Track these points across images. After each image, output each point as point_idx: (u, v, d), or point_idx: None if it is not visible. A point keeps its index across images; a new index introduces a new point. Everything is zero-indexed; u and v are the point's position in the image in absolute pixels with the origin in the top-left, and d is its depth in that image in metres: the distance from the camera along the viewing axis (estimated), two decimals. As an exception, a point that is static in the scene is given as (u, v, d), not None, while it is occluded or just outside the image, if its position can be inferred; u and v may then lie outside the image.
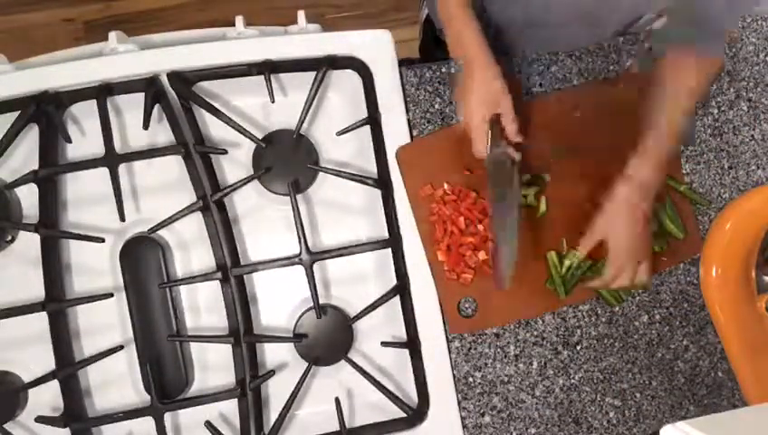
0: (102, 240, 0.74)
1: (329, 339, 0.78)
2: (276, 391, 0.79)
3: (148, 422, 0.73)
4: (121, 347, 0.75)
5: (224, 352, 0.77)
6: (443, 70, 0.83)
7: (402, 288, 0.79)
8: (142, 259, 0.75)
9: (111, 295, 0.75)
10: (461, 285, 0.80)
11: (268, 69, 0.76)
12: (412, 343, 0.78)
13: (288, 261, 0.76)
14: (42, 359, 0.74)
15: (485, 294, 0.81)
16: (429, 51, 1.06)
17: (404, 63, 0.82)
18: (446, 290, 0.80)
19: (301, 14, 0.82)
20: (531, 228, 0.82)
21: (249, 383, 0.75)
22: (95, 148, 0.75)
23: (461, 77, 0.73)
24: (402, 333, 0.80)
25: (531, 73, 0.86)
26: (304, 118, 0.77)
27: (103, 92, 0.75)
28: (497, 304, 0.81)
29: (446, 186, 0.81)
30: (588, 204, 0.81)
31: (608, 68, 0.87)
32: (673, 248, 0.85)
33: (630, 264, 0.75)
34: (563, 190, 0.83)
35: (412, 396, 0.80)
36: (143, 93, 0.75)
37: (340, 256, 0.77)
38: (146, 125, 0.75)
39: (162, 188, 0.79)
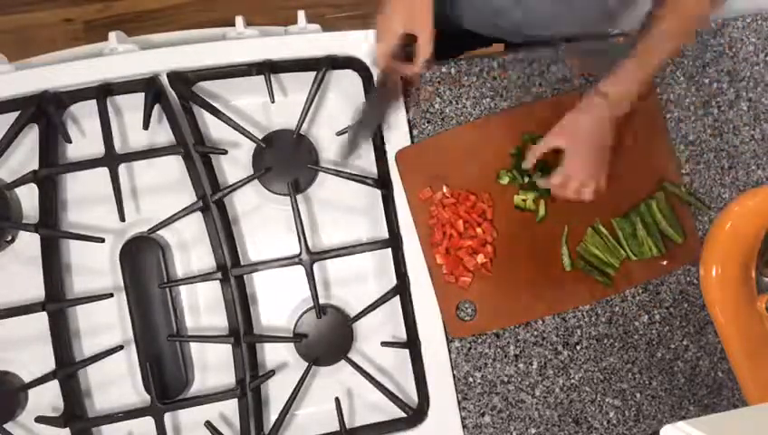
0: (102, 240, 0.74)
1: (329, 339, 0.78)
2: (276, 391, 0.79)
3: (148, 422, 0.73)
4: (121, 347, 0.75)
5: (224, 352, 0.77)
6: (443, 70, 0.83)
7: (402, 288, 0.79)
8: (142, 259, 0.75)
9: (111, 295, 0.75)
10: (459, 289, 0.80)
11: (268, 69, 0.76)
12: (412, 343, 0.78)
13: (288, 261, 0.76)
14: (42, 359, 0.74)
15: (484, 297, 0.81)
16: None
17: None
18: (444, 293, 0.80)
19: (301, 14, 0.82)
20: (530, 233, 0.82)
21: (249, 383, 0.75)
22: (95, 148, 0.75)
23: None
24: (402, 334, 0.80)
25: (531, 74, 0.86)
26: (304, 118, 0.77)
27: (103, 92, 0.75)
28: (496, 307, 0.81)
29: (444, 189, 0.81)
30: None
31: (609, 68, 0.87)
32: (672, 253, 0.84)
33: (583, 175, 0.75)
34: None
35: (412, 396, 0.80)
36: (143, 93, 0.75)
37: (340, 256, 0.77)
38: (146, 125, 0.75)
39: (162, 188, 0.79)
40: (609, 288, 0.83)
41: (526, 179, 0.82)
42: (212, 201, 0.75)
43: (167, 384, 0.75)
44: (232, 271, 0.75)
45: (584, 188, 0.75)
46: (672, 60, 0.88)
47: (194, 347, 0.79)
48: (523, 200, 0.82)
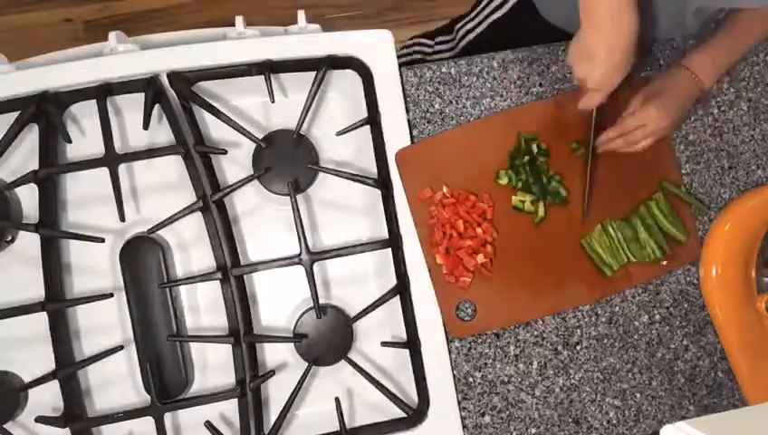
0: (102, 240, 0.74)
1: (329, 339, 0.78)
2: (276, 391, 0.79)
3: (148, 422, 0.73)
4: (121, 347, 0.75)
5: (224, 352, 0.77)
6: (443, 70, 0.83)
7: (402, 288, 0.79)
8: (142, 259, 0.75)
9: (111, 295, 0.75)
10: (459, 289, 0.80)
11: (268, 69, 0.76)
12: (412, 343, 0.78)
13: (288, 261, 0.76)
14: (42, 359, 0.74)
15: (484, 297, 0.81)
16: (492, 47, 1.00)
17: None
18: (444, 293, 0.80)
19: (301, 14, 0.82)
20: (530, 233, 0.82)
21: (249, 383, 0.75)
22: (95, 148, 0.75)
23: (592, 34, 0.70)
24: (402, 333, 0.80)
25: (531, 73, 0.86)
26: (304, 118, 0.77)
27: (103, 92, 0.75)
28: (496, 307, 0.81)
29: (445, 189, 0.81)
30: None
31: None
32: (672, 253, 0.84)
33: (651, 127, 0.77)
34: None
35: (412, 396, 0.80)
36: (143, 93, 0.75)
37: (340, 256, 0.77)
38: (146, 125, 0.75)
39: (162, 188, 0.79)
40: (608, 288, 0.83)
41: (520, 183, 0.82)
42: (212, 201, 0.75)
43: (167, 384, 0.75)
44: (232, 271, 0.75)
45: (643, 141, 0.78)
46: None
47: (194, 347, 0.79)
48: (521, 201, 0.82)
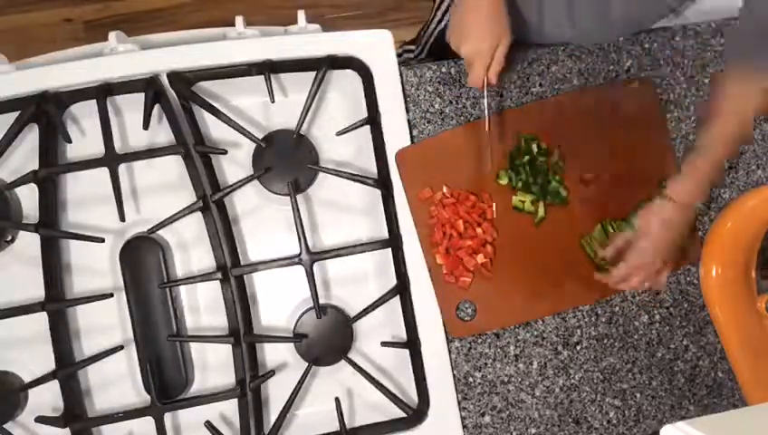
0: (102, 240, 0.74)
1: (329, 339, 0.78)
2: (276, 391, 0.79)
3: (148, 422, 0.73)
4: (121, 347, 0.75)
5: (224, 352, 0.77)
6: (443, 70, 0.83)
7: (402, 288, 0.79)
8: (142, 259, 0.75)
9: (111, 295, 0.75)
10: (459, 289, 0.80)
11: (268, 69, 0.76)
12: (412, 343, 0.78)
13: (288, 261, 0.76)
14: (42, 359, 0.74)
15: (484, 297, 0.81)
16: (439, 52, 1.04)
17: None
18: (444, 293, 0.80)
19: (301, 14, 0.82)
20: (530, 233, 0.82)
21: (249, 383, 0.75)
22: (95, 148, 0.75)
23: (460, 9, 0.73)
24: (402, 333, 0.80)
25: (531, 73, 0.86)
26: (304, 118, 0.77)
27: (103, 92, 0.75)
28: (496, 307, 0.81)
29: (444, 189, 0.81)
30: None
31: (608, 68, 0.87)
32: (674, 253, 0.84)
33: (645, 273, 0.77)
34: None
35: (412, 396, 0.80)
36: (143, 93, 0.75)
37: (340, 256, 0.77)
38: (146, 125, 0.75)
39: (162, 188, 0.79)
40: (608, 288, 0.83)
41: (520, 183, 0.82)
42: (212, 201, 0.75)
43: (167, 384, 0.75)
44: (232, 271, 0.75)
45: (646, 283, 0.78)
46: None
47: (194, 347, 0.79)
48: (521, 201, 0.82)
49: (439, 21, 1.01)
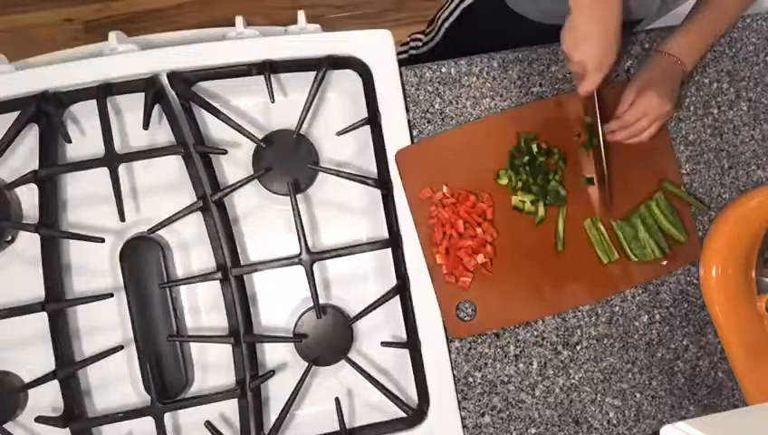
0: (102, 240, 0.74)
1: (329, 339, 0.78)
2: (276, 391, 0.79)
3: (148, 422, 0.73)
4: (121, 347, 0.75)
5: (224, 352, 0.77)
6: (443, 70, 0.83)
7: (402, 288, 0.79)
8: (142, 259, 0.75)
9: (111, 295, 0.75)
10: (459, 289, 0.80)
11: (268, 69, 0.76)
12: (412, 343, 0.78)
13: (288, 261, 0.76)
14: (42, 359, 0.74)
15: (484, 297, 0.81)
16: (463, 35, 1.04)
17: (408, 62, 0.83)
18: (444, 293, 0.80)
19: (301, 14, 0.82)
20: (530, 233, 0.82)
21: (249, 383, 0.75)
22: (95, 148, 0.75)
23: (584, 18, 0.72)
24: (402, 333, 0.80)
25: (531, 73, 0.86)
26: (304, 118, 0.77)
27: (103, 92, 0.75)
28: (496, 307, 0.81)
29: (445, 189, 0.81)
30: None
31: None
32: (673, 253, 0.84)
33: (652, 113, 0.79)
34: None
35: (412, 396, 0.80)
36: (143, 93, 0.75)
37: (340, 256, 0.77)
38: (146, 125, 0.75)
39: (162, 188, 0.79)
40: (608, 288, 0.83)
41: (520, 183, 0.82)
42: (212, 201, 0.75)
43: (167, 384, 0.75)
44: (232, 271, 0.75)
45: (649, 128, 0.80)
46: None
47: (194, 347, 0.78)
48: (521, 202, 0.82)
49: (452, 11, 1.02)
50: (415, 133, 0.83)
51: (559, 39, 0.75)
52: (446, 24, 1.05)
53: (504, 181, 0.82)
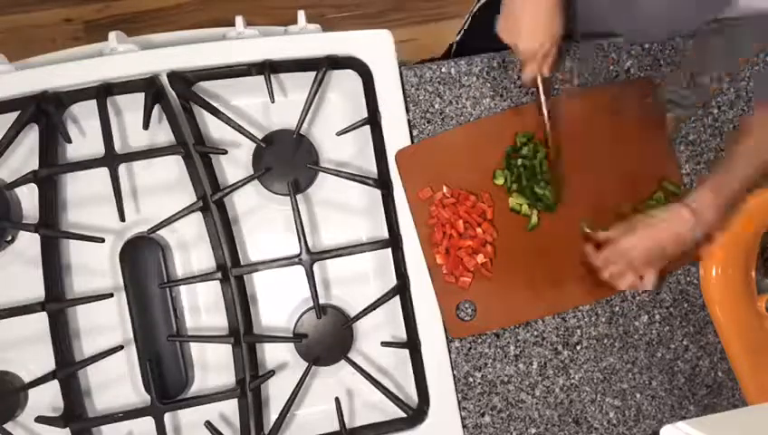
0: (102, 240, 0.74)
1: (329, 339, 0.78)
2: (276, 391, 0.79)
3: (148, 422, 0.73)
4: (121, 347, 0.75)
5: (224, 352, 0.77)
6: (443, 70, 0.83)
7: (402, 288, 0.79)
8: (142, 259, 0.75)
9: (111, 295, 0.75)
10: (459, 289, 0.80)
11: (268, 69, 0.76)
12: (412, 343, 0.78)
13: (288, 261, 0.76)
14: (42, 359, 0.74)
15: (484, 297, 0.81)
16: (473, 41, 1.02)
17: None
18: (444, 293, 0.80)
19: (301, 14, 0.82)
20: (530, 233, 0.82)
21: (249, 383, 0.75)
22: (95, 148, 0.75)
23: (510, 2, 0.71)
24: (402, 333, 0.80)
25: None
26: (304, 118, 0.77)
27: (103, 92, 0.75)
28: (496, 307, 0.81)
29: (444, 189, 0.81)
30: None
31: (608, 68, 0.87)
32: None
33: (635, 266, 0.75)
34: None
35: (412, 396, 0.80)
36: (143, 93, 0.75)
37: (340, 256, 0.77)
38: (146, 125, 0.75)
39: (162, 188, 0.79)
40: (608, 288, 0.83)
41: (515, 185, 0.82)
42: (212, 201, 0.75)
43: (167, 384, 0.75)
44: (232, 271, 0.75)
45: (638, 283, 0.76)
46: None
47: (194, 347, 0.79)
48: (519, 204, 0.82)
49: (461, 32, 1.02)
50: (415, 133, 0.83)
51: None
52: (458, 37, 1.05)
53: (500, 181, 0.82)
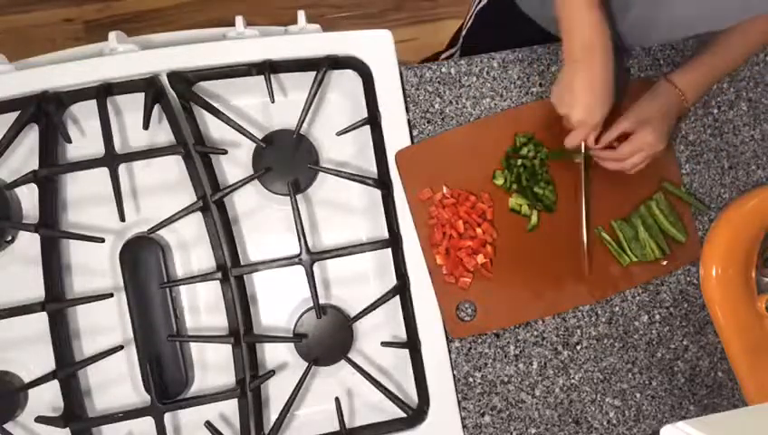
0: (102, 240, 0.74)
1: (329, 339, 0.78)
2: (276, 391, 0.79)
3: (148, 422, 0.73)
4: (121, 347, 0.75)
5: (224, 352, 0.77)
6: (443, 70, 0.83)
7: (402, 288, 0.79)
8: (142, 259, 0.75)
9: (111, 295, 0.75)
10: (459, 289, 0.80)
11: (268, 69, 0.76)
12: (412, 343, 0.78)
13: (288, 261, 0.76)
14: (42, 359, 0.74)
15: (484, 297, 0.81)
16: (477, 39, 1.04)
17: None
18: (444, 293, 0.80)
19: (301, 14, 0.82)
20: (529, 233, 0.82)
21: (249, 383, 0.75)
22: (95, 148, 0.75)
23: (570, 70, 0.71)
24: (402, 333, 0.80)
25: (531, 73, 0.86)
26: (304, 118, 0.77)
27: (103, 92, 0.75)
28: (495, 307, 0.81)
29: (444, 189, 0.81)
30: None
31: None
32: (672, 253, 0.84)
33: (644, 152, 0.77)
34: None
35: (412, 396, 0.80)
36: (143, 93, 0.75)
37: (340, 256, 0.77)
38: (146, 125, 0.75)
39: (162, 188, 0.79)
40: (608, 288, 0.83)
41: (515, 186, 0.82)
42: (212, 201, 0.75)
43: (167, 384, 0.75)
44: (232, 271, 0.75)
45: (640, 165, 0.78)
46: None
47: (194, 347, 0.79)
48: (519, 205, 0.82)
49: (478, 3, 1.03)
50: (415, 133, 0.83)
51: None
52: (464, 32, 1.05)
53: (499, 181, 0.82)
